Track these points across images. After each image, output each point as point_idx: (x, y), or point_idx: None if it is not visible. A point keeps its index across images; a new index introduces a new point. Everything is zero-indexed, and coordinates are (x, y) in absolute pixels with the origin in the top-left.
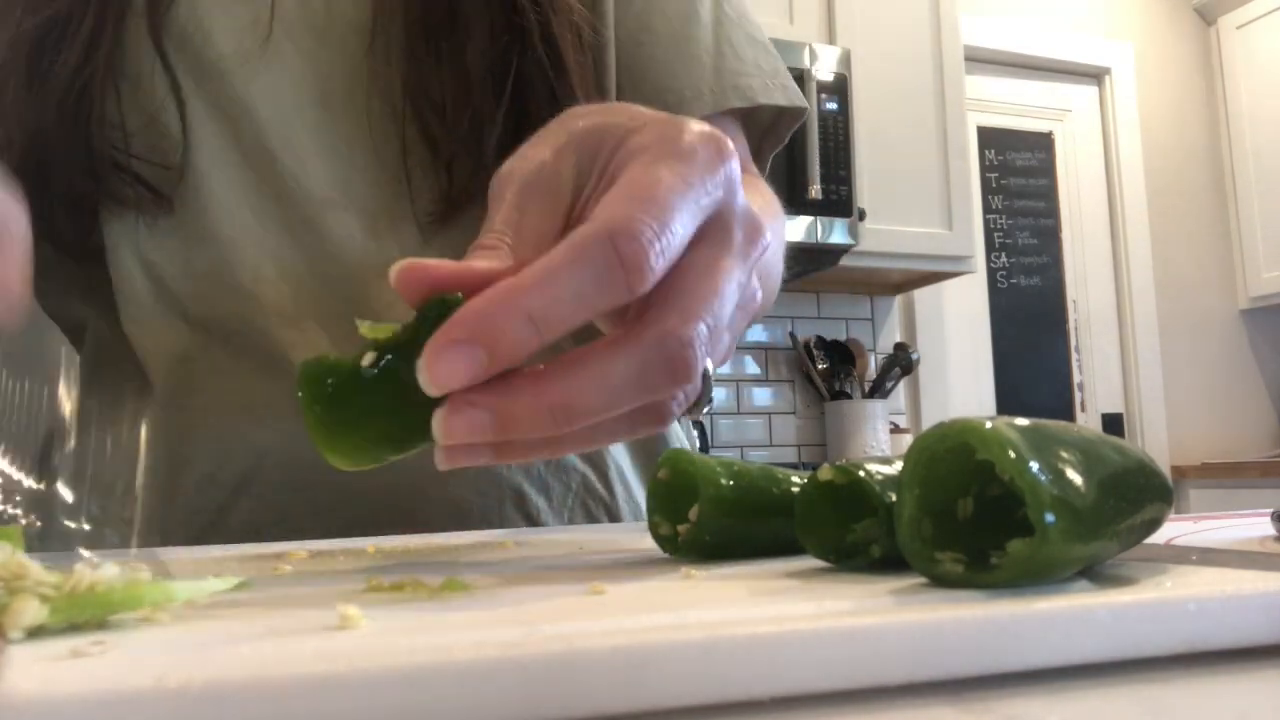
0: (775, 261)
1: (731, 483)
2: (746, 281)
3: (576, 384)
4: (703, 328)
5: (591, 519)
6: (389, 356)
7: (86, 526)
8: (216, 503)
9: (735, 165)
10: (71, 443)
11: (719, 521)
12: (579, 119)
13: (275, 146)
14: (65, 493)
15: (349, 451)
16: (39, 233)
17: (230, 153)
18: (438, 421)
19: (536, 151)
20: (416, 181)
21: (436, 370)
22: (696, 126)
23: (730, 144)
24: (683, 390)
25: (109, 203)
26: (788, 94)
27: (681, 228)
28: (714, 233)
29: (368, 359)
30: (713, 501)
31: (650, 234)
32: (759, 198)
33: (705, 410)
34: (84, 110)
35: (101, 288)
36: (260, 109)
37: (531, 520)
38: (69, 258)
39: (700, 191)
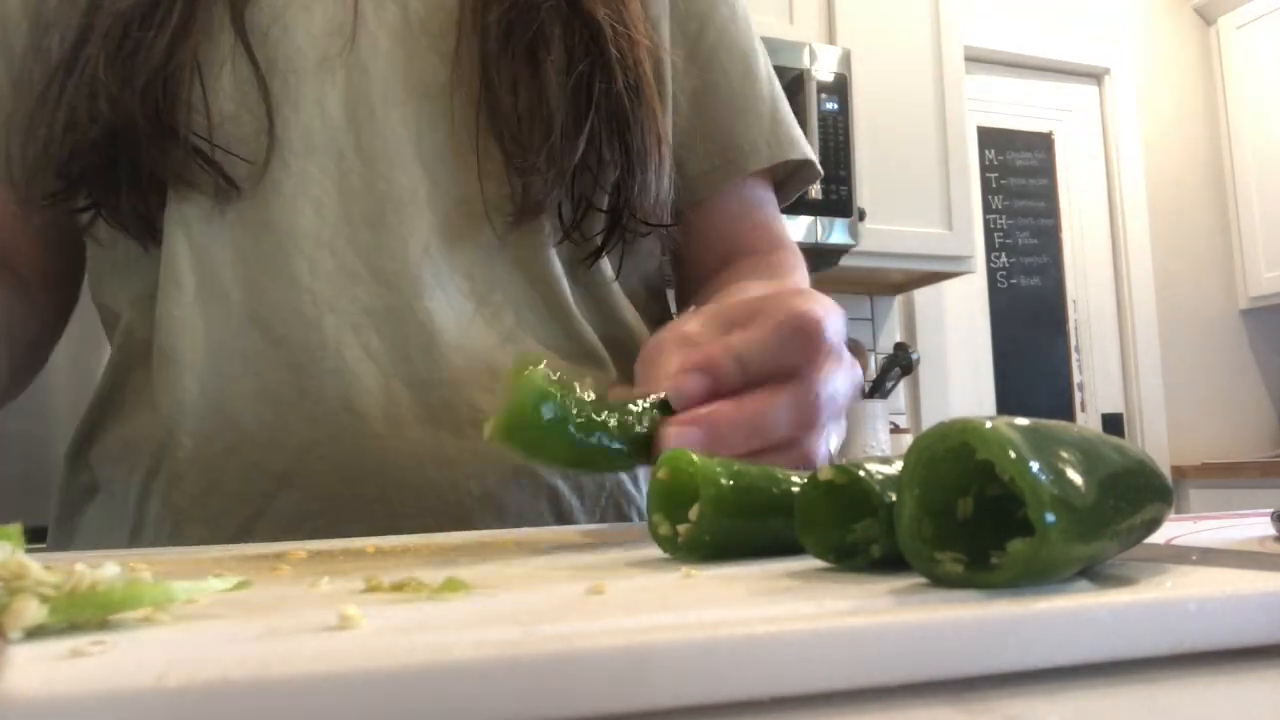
0: None
1: (731, 483)
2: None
3: (745, 411)
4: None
5: (623, 518)
6: (602, 435)
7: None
8: (262, 491)
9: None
10: (107, 439)
11: (719, 521)
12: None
13: (345, 147)
14: (106, 484)
15: (521, 448)
16: (106, 212)
17: (298, 147)
18: (666, 435)
19: (679, 323)
20: (490, 191)
21: (681, 383)
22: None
23: (844, 353)
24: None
25: (182, 187)
26: (811, 152)
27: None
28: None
29: (580, 419)
30: (713, 501)
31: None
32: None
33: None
34: (170, 93)
35: (146, 272)
36: (333, 111)
37: (564, 519)
38: (129, 237)
39: (815, 399)
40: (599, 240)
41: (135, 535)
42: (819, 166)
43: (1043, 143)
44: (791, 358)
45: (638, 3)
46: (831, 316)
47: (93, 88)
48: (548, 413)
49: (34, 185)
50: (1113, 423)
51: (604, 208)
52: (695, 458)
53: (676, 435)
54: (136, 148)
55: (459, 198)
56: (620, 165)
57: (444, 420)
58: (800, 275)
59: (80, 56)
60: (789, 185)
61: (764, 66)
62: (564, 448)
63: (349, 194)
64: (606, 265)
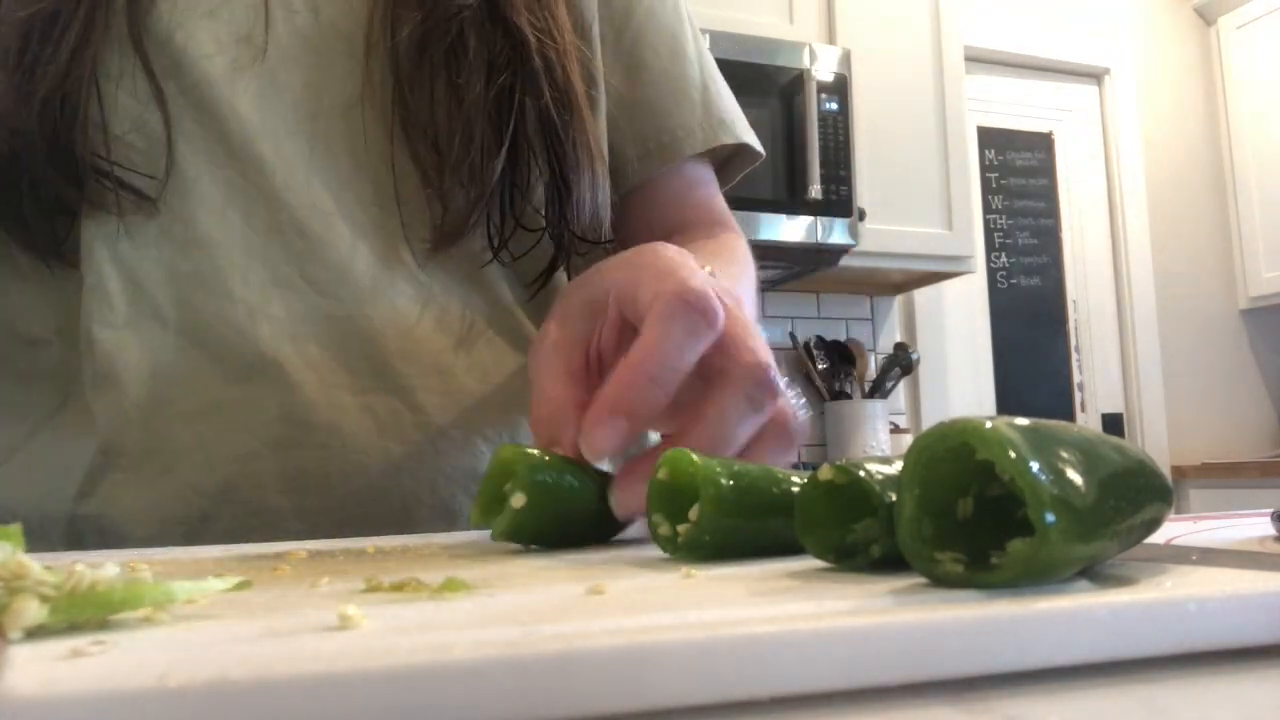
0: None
1: (731, 483)
2: (760, 416)
3: (707, 428)
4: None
5: None
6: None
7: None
8: (200, 510)
9: (719, 321)
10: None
11: (719, 521)
12: (575, 289)
13: (265, 153)
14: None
15: (501, 534)
16: (12, 236)
17: (218, 156)
18: (616, 502)
19: (547, 329)
20: (410, 208)
21: (594, 440)
22: (689, 293)
23: (718, 308)
24: (787, 405)
25: (89, 207)
26: (754, 138)
27: (673, 378)
28: (719, 379)
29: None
30: (713, 501)
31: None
32: (730, 265)
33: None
34: (68, 111)
35: (65, 299)
36: (249, 117)
37: None
38: (41, 262)
39: (691, 352)
40: (533, 258)
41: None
42: (759, 148)
43: (1043, 143)
44: (696, 341)
45: (563, 9)
46: (694, 271)
47: None
48: (519, 501)
49: None
50: (1113, 423)
51: (534, 227)
52: (695, 458)
53: (624, 503)
54: (36, 169)
55: (379, 216)
56: (549, 182)
57: (390, 428)
58: (739, 252)
59: None
60: (731, 166)
61: (693, 47)
62: (544, 531)
63: (274, 202)
64: (560, 274)
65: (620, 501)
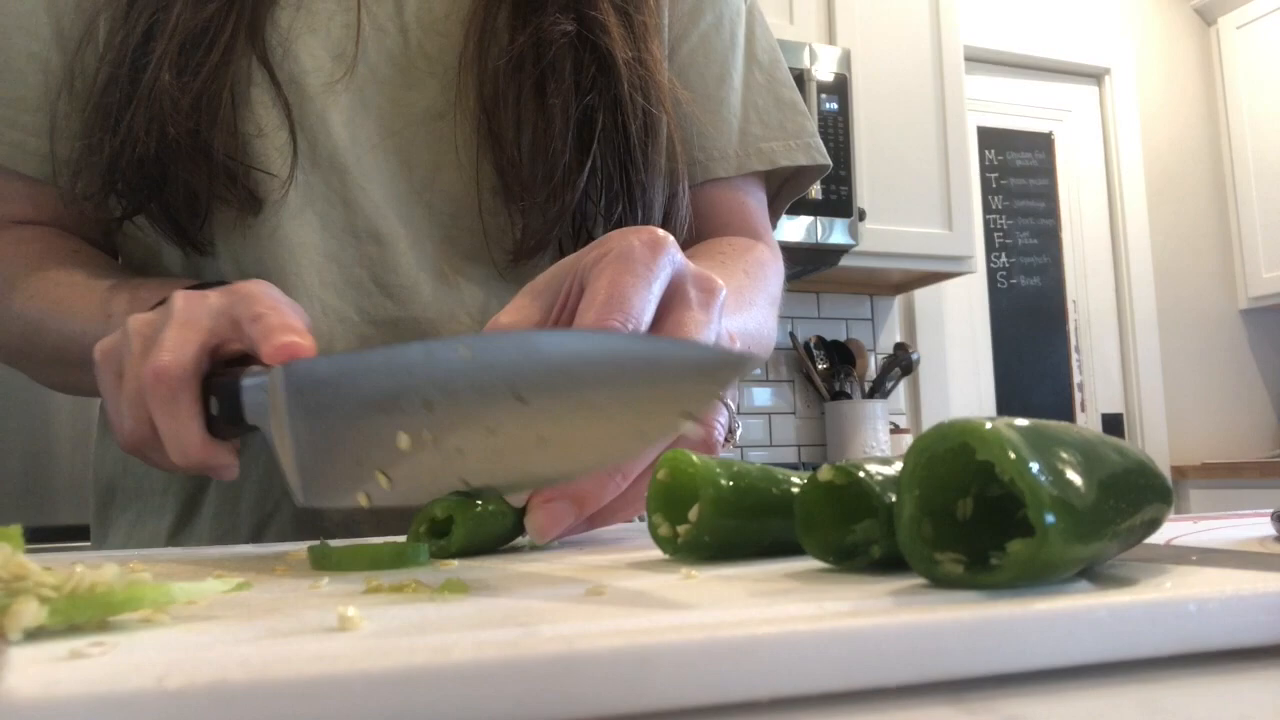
0: (760, 322)
1: (731, 483)
2: (715, 323)
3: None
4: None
5: None
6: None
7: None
8: (274, 501)
9: (673, 250)
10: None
11: (719, 522)
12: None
13: (348, 163)
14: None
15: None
16: (159, 227)
17: (304, 162)
18: (533, 526)
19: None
20: (492, 221)
21: (543, 525)
22: (636, 235)
23: (666, 236)
24: (717, 421)
25: (218, 203)
26: (810, 154)
27: (642, 305)
28: (674, 299)
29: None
30: (712, 502)
31: (620, 324)
32: (739, 274)
33: (736, 437)
34: (210, 115)
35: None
36: (337, 129)
37: None
38: (182, 252)
39: (647, 278)
40: None
41: (181, 525)
42: (821, 160)
43: (1043, 143)
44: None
45: (658, 44)
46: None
47: (153, 108)
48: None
49: (77, 181)
50: (1113, 423)
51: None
52: (695, 458)
53: (541, 528)
54: (181, 166)
55: (460, 227)
56: (623, 200)
57: None
58: (773, 271)
59: (142, 73)
60: (794, 182)
61: (740, 76)
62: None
63: (352, 209)
64: None
65: (537, 527)
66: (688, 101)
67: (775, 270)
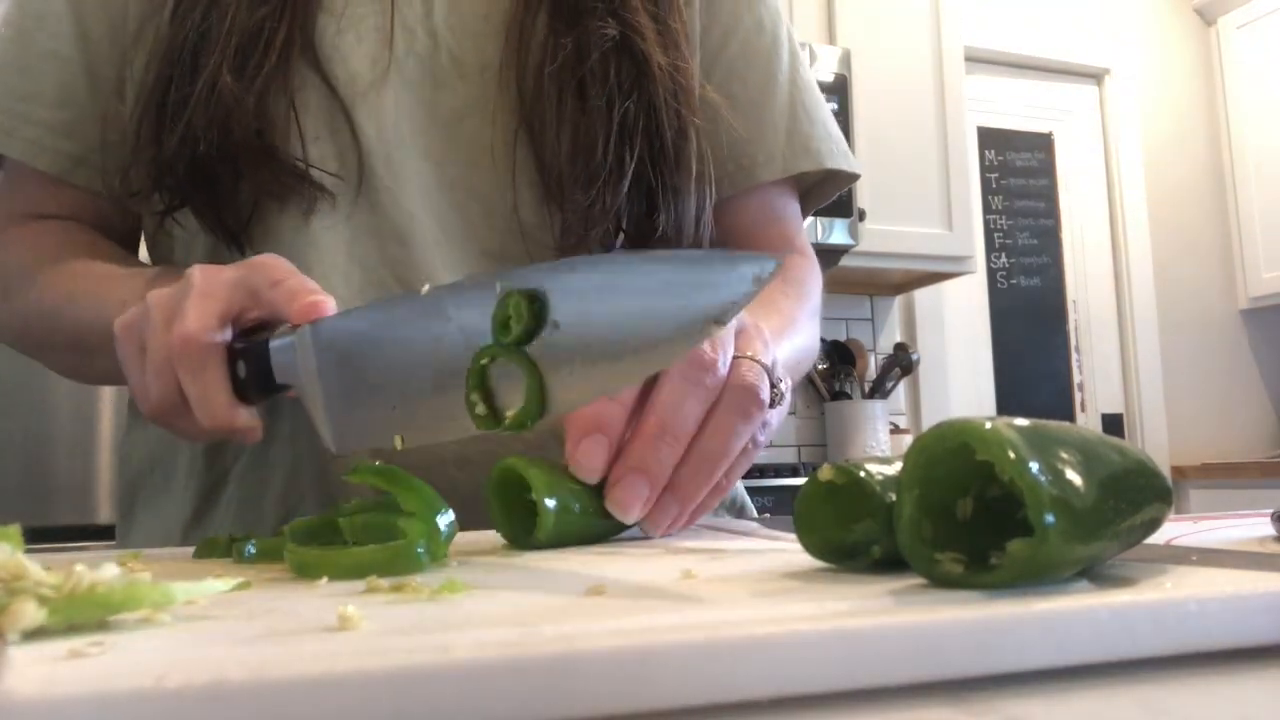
0: (804, 341)
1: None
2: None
3: (655, 417)
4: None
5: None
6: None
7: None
8: (299, 493)
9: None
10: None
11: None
12: None
13: (376, 165)
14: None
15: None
16: (205, 221)
17: (339, 162)
18: (575, 463)
19: None
20: (528, 220)
21: (620, 499)
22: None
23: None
24: (764, 417)
25: (270, 201)
26: (848, 161)
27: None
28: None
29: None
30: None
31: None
32: (776, 316)
33: (786, 403)
34: (269, 119)
35: None
36: (368, 131)
37: None
38: (223, 245)
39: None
40: None
41: (198, 518)
42: (851, 169)
43: (1043, 143)
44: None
45: (689, 49)
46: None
47: (215, 109)
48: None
49: (124, 179)
50: (1113, 423)
51: (639, 241)
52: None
53: (582, 463)
54: (248, 167)
55: (491, 226)
56: (660, 200)
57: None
58: (811, 282)
59: (198, 73)
60: (826, 185)
61: (785, 75)
62: (566, 534)
63: (377, 210)
64: None
65: (579, 462)
66: (728, 109)
67: (814, 282)
